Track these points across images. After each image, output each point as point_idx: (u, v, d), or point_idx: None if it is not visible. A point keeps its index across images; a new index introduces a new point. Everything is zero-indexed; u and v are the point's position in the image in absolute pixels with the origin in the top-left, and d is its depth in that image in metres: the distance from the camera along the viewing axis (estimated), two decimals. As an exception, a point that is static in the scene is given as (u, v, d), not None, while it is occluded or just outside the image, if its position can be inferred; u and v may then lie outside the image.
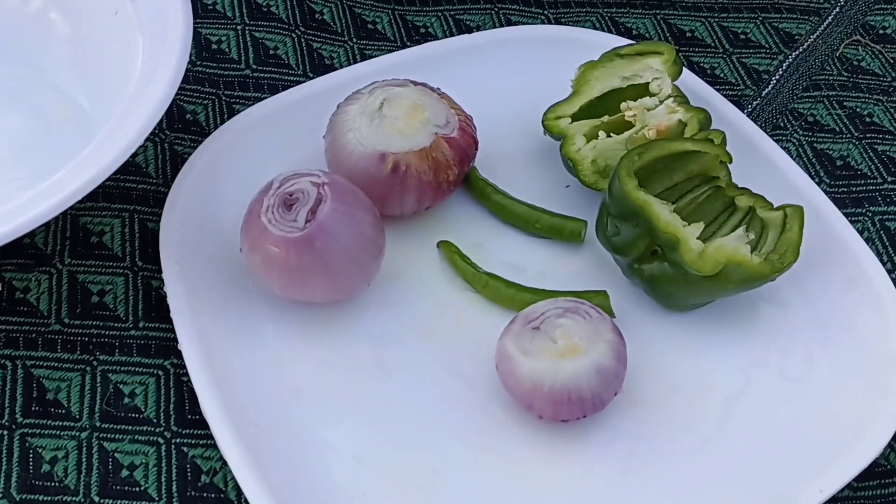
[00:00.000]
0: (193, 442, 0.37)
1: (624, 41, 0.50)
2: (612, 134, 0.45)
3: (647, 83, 0.46)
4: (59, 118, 0.44)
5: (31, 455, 0.37)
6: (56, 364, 0.39)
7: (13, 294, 0.41)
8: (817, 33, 0.55)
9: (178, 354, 0.39)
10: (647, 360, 0.41)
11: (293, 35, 0.53)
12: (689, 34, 0.55)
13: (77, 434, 0.37)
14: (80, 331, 0.40)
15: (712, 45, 0.55)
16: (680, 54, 0.47)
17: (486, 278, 0.42)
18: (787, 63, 0.54)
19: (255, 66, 0.51)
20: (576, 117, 0.47)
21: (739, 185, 0.43)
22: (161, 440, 0.37)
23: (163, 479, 0.36)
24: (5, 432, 0.37)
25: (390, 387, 0.39)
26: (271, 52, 0.52)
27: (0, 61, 0.47)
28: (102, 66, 0.45)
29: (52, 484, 0.36)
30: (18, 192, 0.40)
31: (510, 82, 0.50)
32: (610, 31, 0.54)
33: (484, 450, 0.38)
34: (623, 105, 0.46)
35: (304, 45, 0.52)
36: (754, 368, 0.41)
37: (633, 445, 0.39)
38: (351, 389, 0.39)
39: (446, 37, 0.54)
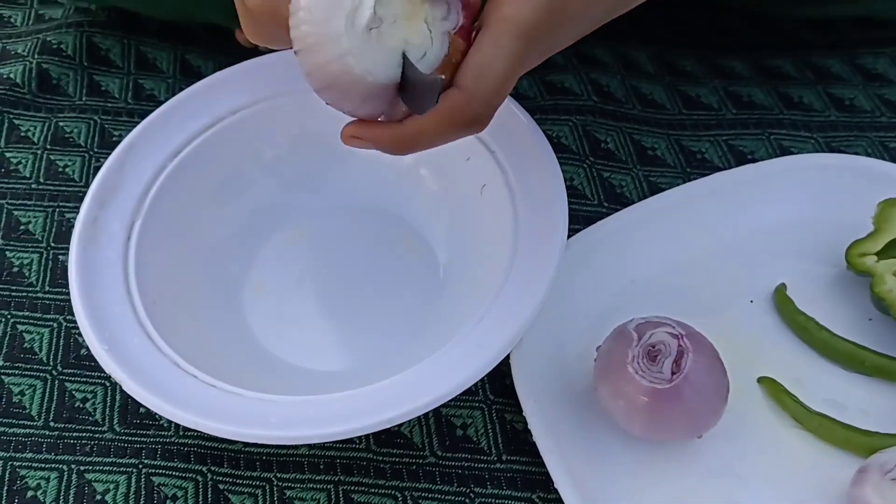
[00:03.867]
0: (576, 576, 0.41)
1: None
2: (922, 275, 0.48)
3: (950, 224, 0.49)
4: (423, 267, 0.50)
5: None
6: (438, 495, 0.44)
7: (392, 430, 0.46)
8: None
9: (543, 487, 0.43)
10: None
11: (584, 165, 0.57)
12: (962, 159, 0.57)
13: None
14: (453, 463, 0.45)
15: None
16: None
17: (818, 419, 0.45)
18: None
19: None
20: (880, 255, 0.49)
21: None
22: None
23: None
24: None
25: (745, 525, 0.43)
26: (567, 183, 0.56)
27: (382, 215, 0.53)
28: (460, 220, 0.50)
29: None
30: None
31: (797, 210, 0.53)
32: (882, 157, 0.57)
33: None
34: (929, 246, 0.48)
35: (594, 173, 0.56)
36: None
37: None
38: (708, 526, 0.43)
39: (722, 162, 0.57)
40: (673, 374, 0.42)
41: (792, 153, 0.57)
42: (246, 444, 0.44)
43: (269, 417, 0.40)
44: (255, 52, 0.53)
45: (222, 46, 0.62)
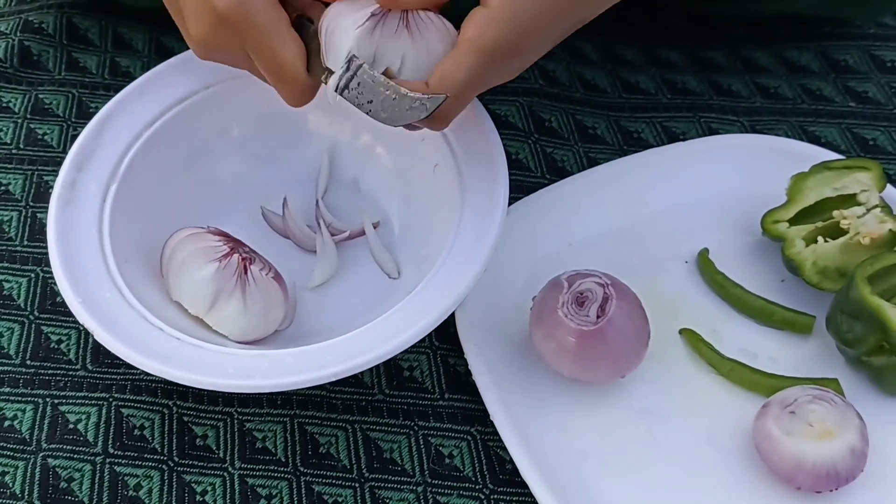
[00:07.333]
0: (508, 499, 0.45)
1: (815, 149, 0.58)
2: (828, 239, 0.53)
3: (855, 194, 0.54)
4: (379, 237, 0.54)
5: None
6: (385, 427, 0.48)
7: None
8: None
9: (481, 422, 0.47)
10: (876, 439, 0.47)
11: (528, 141, 0.61)
12: (871, 142, 0.62)
13: (415, 488, 0.46)
14: (400, 400, 0.49)
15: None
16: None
17: (730, 364, 0.50)
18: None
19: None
20: (792, 222, 0.54)
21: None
22: (482, 496, 0.46)
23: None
24: (357, 485, 0.46)
25: (661, 455, 0.47)
26: (513, 157, 0.61)
27: (341, 190, 0.57)
28: (413, 195, 0.54)
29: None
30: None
31: (721, 184, 0.58)
32: (800, 139, 0.62)
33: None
34: (836, 213, 0.53)
35: (538, 149, 0.61)
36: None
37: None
38: (628, 455, 0.47)
39: (656, 141, 0.62)
40: (598, 317, 0.46)
41: (720, 134, 0.62)
42: (209, 382, 0.48)
43: (227, 368, 0.44)
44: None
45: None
